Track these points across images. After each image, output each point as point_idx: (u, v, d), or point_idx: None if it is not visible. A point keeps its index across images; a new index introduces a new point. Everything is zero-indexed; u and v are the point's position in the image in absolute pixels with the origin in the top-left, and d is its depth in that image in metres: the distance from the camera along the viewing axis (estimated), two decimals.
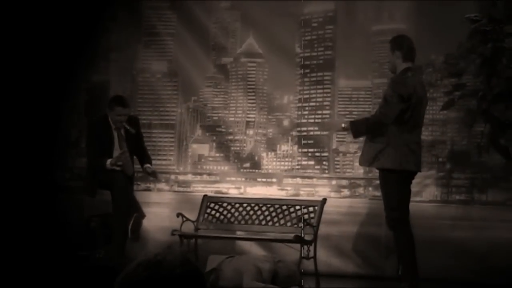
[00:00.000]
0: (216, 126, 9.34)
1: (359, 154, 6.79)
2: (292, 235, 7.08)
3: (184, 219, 7.57)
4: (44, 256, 7.50)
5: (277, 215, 7.65)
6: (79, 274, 6.69)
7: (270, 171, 9.05)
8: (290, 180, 8.96)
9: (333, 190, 8.73)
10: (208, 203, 7.90)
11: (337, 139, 8.92)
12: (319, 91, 8.96)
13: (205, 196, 8.02)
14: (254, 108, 9.25)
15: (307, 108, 8.96)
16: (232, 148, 9.25)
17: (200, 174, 9.28)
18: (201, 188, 9.02)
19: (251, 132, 9.25)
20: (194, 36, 9.10)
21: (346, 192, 8.70)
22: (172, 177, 9.31)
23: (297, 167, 8.96)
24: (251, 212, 7.77)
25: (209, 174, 9.23)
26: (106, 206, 7.33)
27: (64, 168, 9.23)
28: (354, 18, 8.80)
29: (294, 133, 9.05)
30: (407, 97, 6.16)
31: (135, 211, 7.23)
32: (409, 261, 6.28)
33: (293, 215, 7.53)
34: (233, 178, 9.10)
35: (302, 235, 7.02)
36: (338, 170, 8.85)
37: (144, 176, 8.19)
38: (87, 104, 9.31)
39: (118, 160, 7.19)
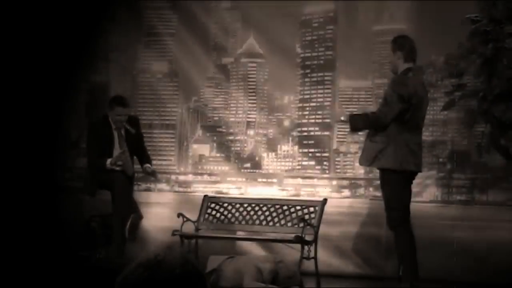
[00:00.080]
0: (217, 126, 9.35)
1: (359, 154, 6.78)
2: (293, 235, 7.06)
3: (185, 219, 7.55)
4: (44, 256, 7.49)
5: (277, 216, 7.63)
6: (79, 274, 6.68)
7: (270, 171, 9.05)
8: (290, 181, 8.96)
9: (334, 190, 8.73)
10: (209, 204, 7.89)
11: (337, 140, 8.92)
12: (319, 91, 8.96)
13: (205, 196, 8.01)
14: (254, 108, 9.26)
15: (307, 109, 8.96)
16: (233, 148, 9.25)
17: (201, 174, 9.28)
18: (202, 189, 9.03)
19: (251, 132, 9.25)
20: (195, 36, 9.10)
21: (346, 192, 8.70)
22: (173, 177, 9.31)
23: (297, 167, 8.97)
24: (252, 213, 7.76)
25: (209, 175, 9.23)
26: (106, 206, 7.32)
27: (64, 168, 9.22)
28: (355, 18, 8.81)
29: (294, 133, 9.06)
30: (407, 98, 6.15)
31: (133, 212, 7.22)
32: (409, 261, 6.27)
33: (294, 215, 7.52)
34: (233, 179, 9.10)
35: (303, 235, 7.01)
36: (338, 170, 8.85)
37: (144, 177, 8.18)
38: (87, 105, 9.31)
39: (118, 160, 7.18)
